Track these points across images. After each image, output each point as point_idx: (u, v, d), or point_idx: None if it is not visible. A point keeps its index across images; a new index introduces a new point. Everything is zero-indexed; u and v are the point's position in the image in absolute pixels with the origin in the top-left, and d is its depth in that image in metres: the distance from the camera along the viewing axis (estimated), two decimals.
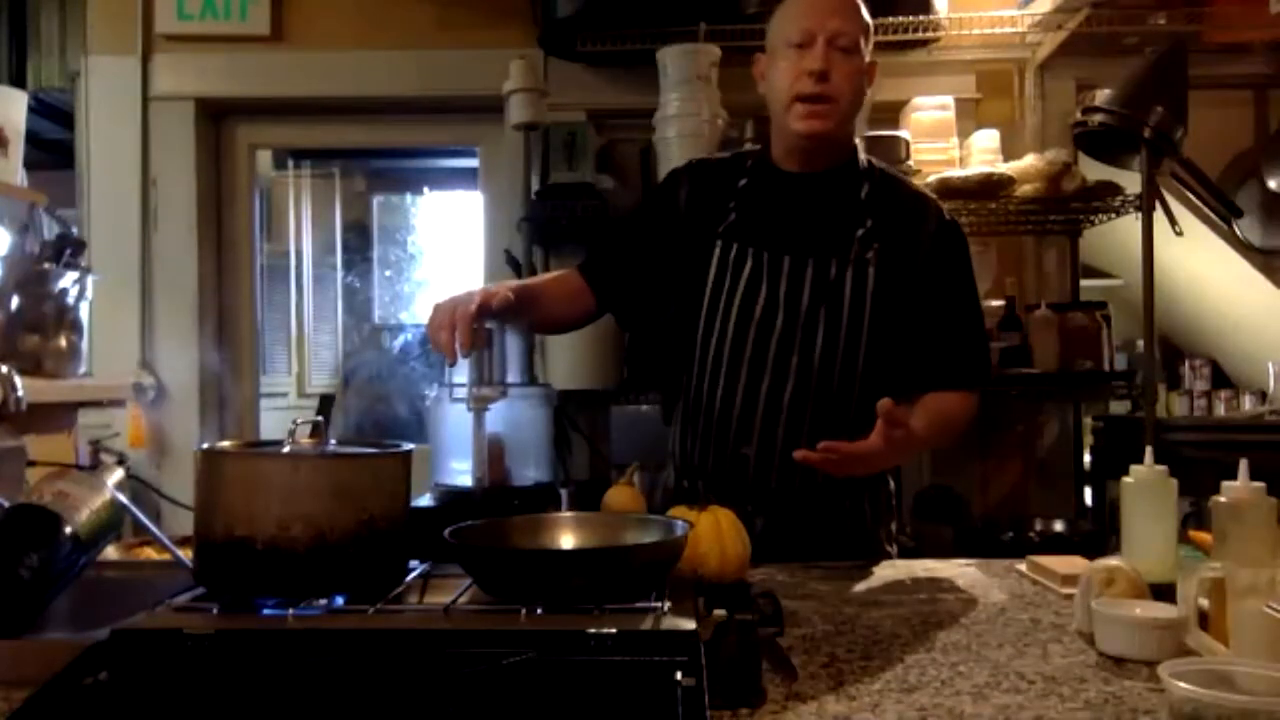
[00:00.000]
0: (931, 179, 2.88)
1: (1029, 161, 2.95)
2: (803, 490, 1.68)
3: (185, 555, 1.21)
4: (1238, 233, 3.41)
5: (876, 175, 1.73)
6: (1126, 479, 1.30)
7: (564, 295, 1.76)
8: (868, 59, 1.67)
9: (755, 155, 1.78)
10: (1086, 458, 3.30)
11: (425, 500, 1.45)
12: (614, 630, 0.88)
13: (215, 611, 0.96)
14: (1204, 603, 1.12)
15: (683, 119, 2.92)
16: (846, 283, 1.65)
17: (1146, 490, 1.29)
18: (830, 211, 1.69)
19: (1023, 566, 1.57)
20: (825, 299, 1.65)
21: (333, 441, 1.13)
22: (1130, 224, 2.83)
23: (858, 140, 1.79)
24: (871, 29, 1.68)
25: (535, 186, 3.13)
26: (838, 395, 1.67)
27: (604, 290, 1.77)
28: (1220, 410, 2.94)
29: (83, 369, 2.14)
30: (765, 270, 1.67)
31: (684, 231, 1.74)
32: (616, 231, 1.89)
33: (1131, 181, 2.80)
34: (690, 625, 0.90)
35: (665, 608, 0.94)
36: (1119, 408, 3.33)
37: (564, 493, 1.54)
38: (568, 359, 2.99)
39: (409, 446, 1.10)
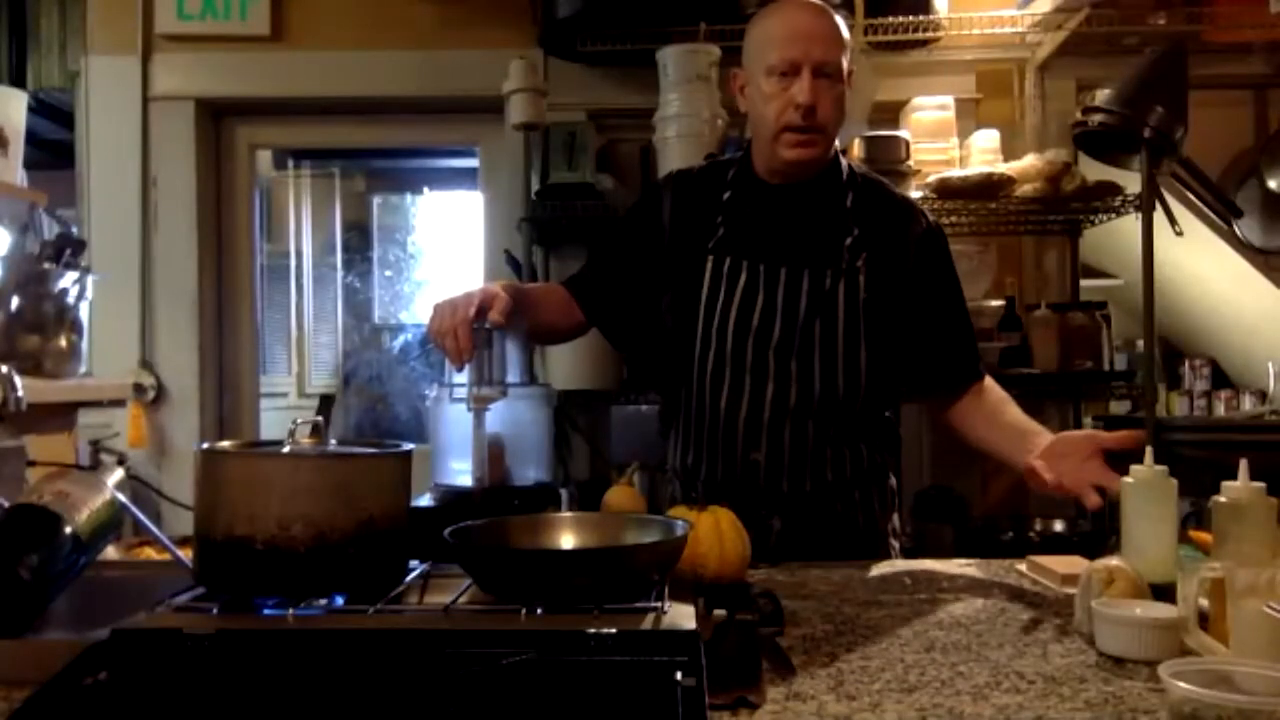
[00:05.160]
0: (931, 179, 2.88)
1: (1029, 161, 2.95)
2: (814, 490, 1.70)
3: (185, 555, 1.21)
4: (1238, 233, 3.41)
5: (859, 183, 1.74)
6: (1126, 479, 1.30)
7: (556, 304, 1.77)
8: (847, 70, 1.65)
9: (736, 165, 1.77)
10: None
11: (425, 500, 1.45)
12: (614, 630, 0.88)
13: (215, 611, 0.96)
14: (1204, 603, 1.12)
15: (683, 119, 2.93)
16: (839, 292, 1.66)
17: (1146, 490, 1.28)
18: (817, 222, 1.70)
19: (1023, 566, 1.57)
20: (820, 309, 1.66)
21: (333, 441, 1.13)
22: (1130, 224, 2.83)
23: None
24: (849, 43, 1.66)
25: (535, 186, 3.13)
26: (843, 397, 1.69)
27: (591, 306, 1.78)
28: (1220, 410, 2.94)
29: (83, 369, 2.13)
30: (762, 281, 1.67)
31: (670, 247, 1.75)
32: (601, 249, 1.89)
33: (1131, 181, 2.80)
34: (690, 625, 0.90)
35: (665, 608, 0.94)
36: (1119, 408, 3.33)
37: (564, 493, 1.54)
38: (568, 359, 2.99)
39: (409, 446, 1.10)
